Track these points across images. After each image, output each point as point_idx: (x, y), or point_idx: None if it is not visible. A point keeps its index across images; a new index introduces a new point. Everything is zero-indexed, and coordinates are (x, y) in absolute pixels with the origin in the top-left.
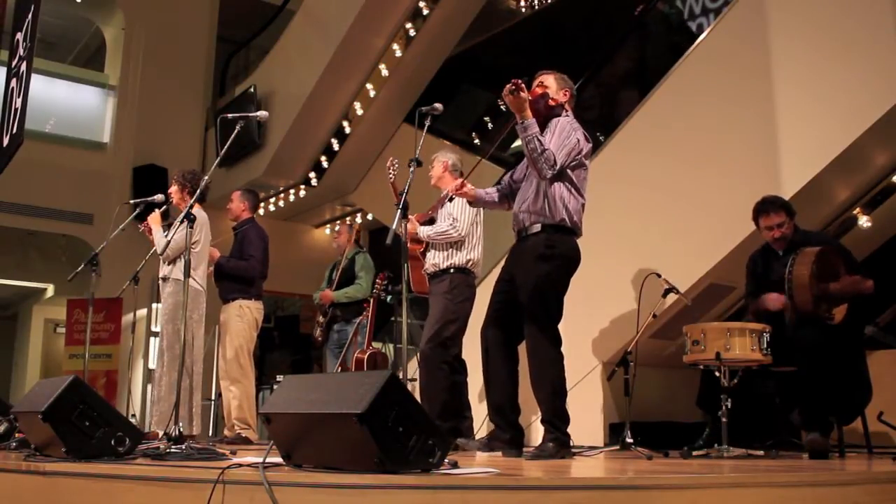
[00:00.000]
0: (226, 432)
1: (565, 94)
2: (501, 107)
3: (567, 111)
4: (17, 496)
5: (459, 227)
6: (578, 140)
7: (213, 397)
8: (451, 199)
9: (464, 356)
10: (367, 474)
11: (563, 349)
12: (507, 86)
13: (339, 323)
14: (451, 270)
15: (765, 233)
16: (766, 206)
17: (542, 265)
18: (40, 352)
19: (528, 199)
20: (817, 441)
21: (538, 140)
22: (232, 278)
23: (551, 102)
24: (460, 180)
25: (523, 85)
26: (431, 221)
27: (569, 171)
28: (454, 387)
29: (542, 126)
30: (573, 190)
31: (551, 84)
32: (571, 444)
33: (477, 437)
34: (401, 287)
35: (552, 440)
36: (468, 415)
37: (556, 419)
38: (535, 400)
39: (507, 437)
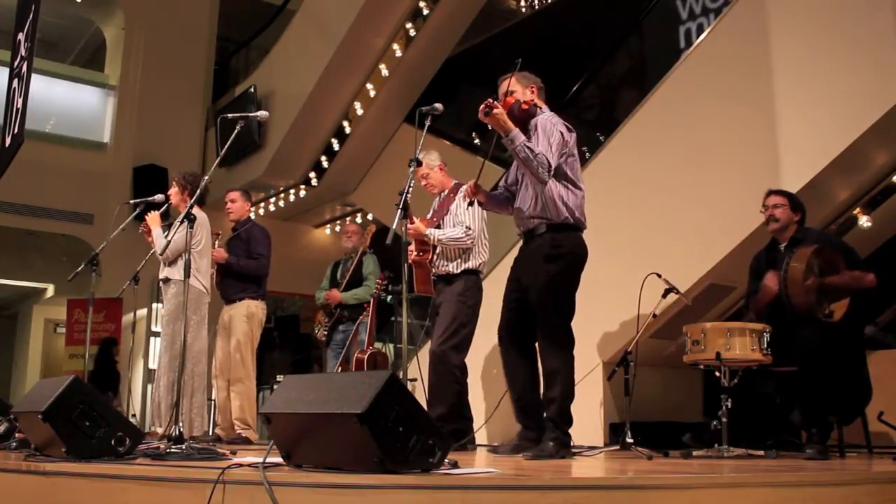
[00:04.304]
0: (218, 431)
1: (532, 91)
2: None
3: (541, 107)
4: (17, 496)
5: (473, 234)
6: (562, 133)
7: (212, 397)
8: (470, 204)
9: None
10: (367, 474)
11: None
12: (481, 109)
13: (346, 323)
14: (464, 273)
15: (763, 214)
16: (771, 190)
17: (550, 265)
18: (40, 352)
19: (529, 203)
20: (816, 455)
21: (528, 148)
22: (241, 278)
23: (524, 106)
24: (472, 183)
25: (495, 102)
26: (437, 228)
27: (561, 165)
28: (459, 390)
29: (524, 131)
30: (570, 185)
31: (515, 86)
32: (571, 444)
33: (476, 438)
34: (401, 287)
35: (552, 440)
36: (468, 415)
37: (560, 419)
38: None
39: (535, 435)
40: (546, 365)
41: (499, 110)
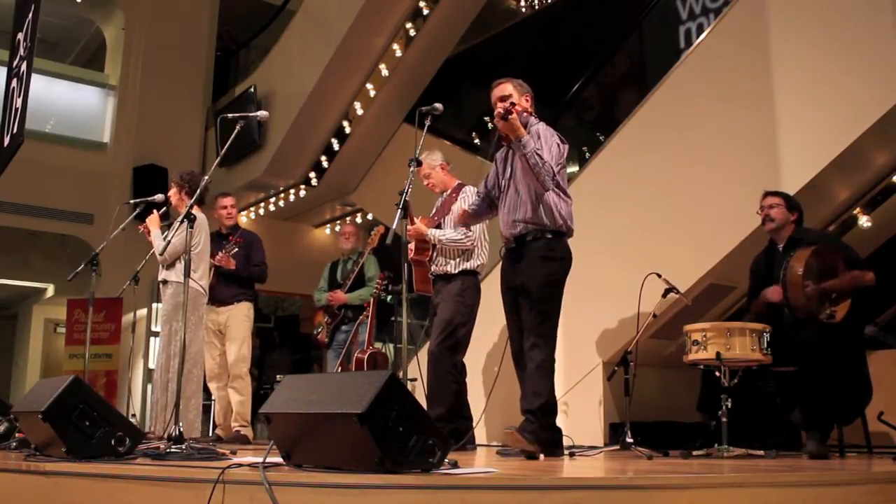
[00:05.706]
0: (218, 432)
1: (527, 100)
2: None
3: (534, 115)
4: (17, 496)
5: (473, 236)
6: (558, 144)
7: (212, 398)
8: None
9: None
10: (367, 474)
11: (562, 349)
12: (500, 111)
13: (349, 324)
14: (462, 274)
15: (759, 215)
16: (767, 191)
17: (549, 264)
18: (40, 352)
19: (522, 209)
20: (815, 451)
21: (538, 156)
22: (242, 282)
23: (525, 114)
24: (463, 209)
25: (513, 107)
26: (438, 227)
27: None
28: (458, 389)
29: None
30: (562, 194)
31: (513, 92)
32: (573, 443)
33: (477, 438)
34: (401, 287)
35: (530, 431)
36: (468, 415)
37: (543, 413)
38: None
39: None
40: (534, 357)
41: (514, 115)
